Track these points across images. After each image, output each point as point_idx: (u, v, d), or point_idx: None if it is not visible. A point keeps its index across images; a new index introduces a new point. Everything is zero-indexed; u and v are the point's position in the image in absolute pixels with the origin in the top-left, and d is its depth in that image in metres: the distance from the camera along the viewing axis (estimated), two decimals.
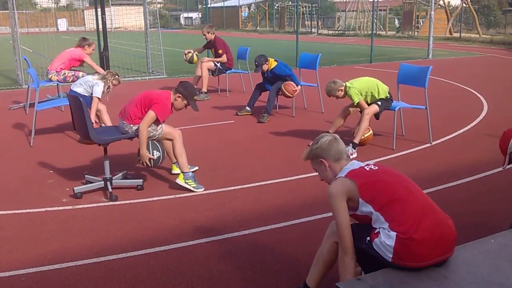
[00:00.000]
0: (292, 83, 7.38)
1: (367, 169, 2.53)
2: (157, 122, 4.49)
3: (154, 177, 4.99)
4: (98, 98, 6.08)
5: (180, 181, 4.56)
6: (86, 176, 4.75)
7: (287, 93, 7.33)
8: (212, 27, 9.65)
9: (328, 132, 5.99)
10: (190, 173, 4.58)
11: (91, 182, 4.61)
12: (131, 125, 4.49)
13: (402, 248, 2.29)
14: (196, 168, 5.09)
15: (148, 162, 4.52)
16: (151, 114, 4.39)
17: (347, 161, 2.63)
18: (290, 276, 3.12)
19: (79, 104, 4.25)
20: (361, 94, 5.73)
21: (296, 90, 7.36)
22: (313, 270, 2.68)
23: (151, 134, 4.50)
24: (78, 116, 4.36)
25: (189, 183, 4.55)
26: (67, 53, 7.69)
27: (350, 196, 2.45)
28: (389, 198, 2.38)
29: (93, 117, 6.12)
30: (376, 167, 2.54)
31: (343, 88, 5.77)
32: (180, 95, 4.49)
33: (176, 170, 4.95)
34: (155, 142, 4.71)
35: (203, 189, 4.60)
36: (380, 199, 2.40)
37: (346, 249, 2.44)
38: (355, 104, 5.77)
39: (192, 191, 4.54)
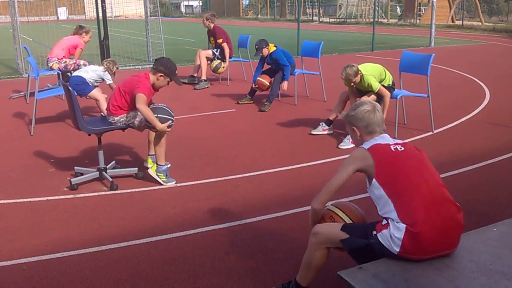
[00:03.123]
0: (263, 79, 7.45)
1: (393, 148, 2.47)
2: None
3: None
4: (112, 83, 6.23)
5: (152, 172, 4.49)
6: (75, 168, 4.70)
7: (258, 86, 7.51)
8: (213, 16, 9.54)
9: (328, 119, 6.01)
10: (164, 167, 4.49)
11: (81, 174, 4.59)
12: (113, 117, 4.40)
13: (411, 241, 2.26)
14: (168, 165, 4.79)
15: (167, 130, 4.36)
16: (140, 96, 4.21)
17: (380, 133, 2.59)
18: (291, 264, 3.12)
19: (70, 94, 4.25)
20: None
21: (265, 85, 7.46)
22: (304, 272, 2.62)
23: (129, 122, 4.41)
24: (70, 105, 4.35)
25: (160, 176, 4.47)
26: (66, 41, 7.64)
27: (364, 168, 2.46)
28: (402, 185, 2.35)
29: (102, 98, 6.14)
30: (403, 148, 2.48)
31: (360, 73, 5.55)
32: (162, 74, 4.35)
33: (150, 163, 4.84)
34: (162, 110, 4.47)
35: (173, 182, 4.51)
36: (392, 184, 2.37)
37: (319, 199, 2.57)
38: (375, 91, 5.56)
39: (162, 184, 4.47)
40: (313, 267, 2.57)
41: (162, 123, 4.30)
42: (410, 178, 2.37)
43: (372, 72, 5.63)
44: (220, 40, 9.24)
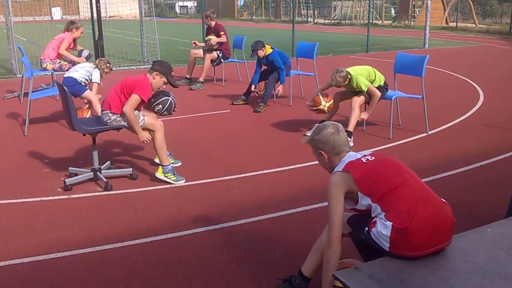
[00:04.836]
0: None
1: (364, 160, 2.50)
2: (140, 105, 4.41)
3: (149, 166, 4.97)
4: (98, 83, 6.13)
5: (159, 174, 4.48)
6: (70, 168, 4.68)
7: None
8: (213, 13, 9.64)
9: (323, 120, 6.01)
10: (170, 166, 4.48)
11: (76, 174, 4.57)
12: (110, 113, 4.37)
13: (398, 237, 2.29)
14: (179, 163, 5.00)
15: (149, 139, 4.42)
16: (134, 97, 4.28)
17: (347, 152, 2.59)
18: (286, 265, 3.12)
19: (65, 94, 4.23)
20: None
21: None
22: (309, 259, 2.68)
23: (125, 121, 4.39)
24: (65, 105, 4.32)
25: (168, 177, 4.47)
26: (56, 40, 7.57)
27: (348, 189, 2.45)
28: (386, 189, 2.38)
29: (95, 99, 6.08)
30: (373, 158, 2.52)
31: (350, 76, 5.61)
32: (158, 72, 4.41)
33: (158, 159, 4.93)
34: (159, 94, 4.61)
35: (183, 181, 4.51)
36: (377, 190, 2.39)
37: (331, 239, 2.40)
38: (365, 91, 5.62)
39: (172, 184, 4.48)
40: (319, 251, 2.60)
41: (162, 106, 4.57)
42: (391, 181, 2.39)
43: (361, 72, 5.68)
44: (222, 33, 9.30)
